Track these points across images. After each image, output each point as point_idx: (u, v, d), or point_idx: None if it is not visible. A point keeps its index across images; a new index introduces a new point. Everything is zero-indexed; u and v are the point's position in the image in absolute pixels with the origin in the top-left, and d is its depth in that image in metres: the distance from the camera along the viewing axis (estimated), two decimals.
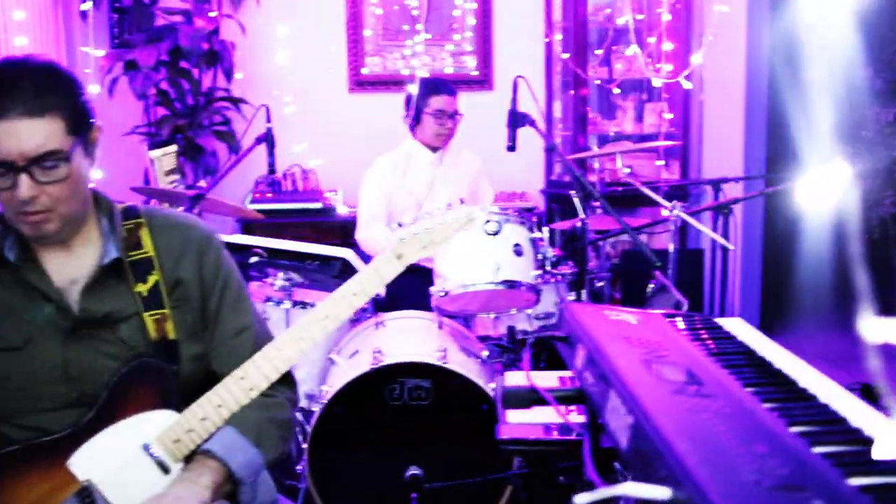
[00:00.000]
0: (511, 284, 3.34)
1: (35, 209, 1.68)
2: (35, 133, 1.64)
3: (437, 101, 4.48)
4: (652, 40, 5.68)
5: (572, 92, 5.75)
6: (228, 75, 5.29)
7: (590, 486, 1.55)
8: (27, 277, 1.77)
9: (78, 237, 1.82)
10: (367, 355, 3.21)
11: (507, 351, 3.72)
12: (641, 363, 1.51)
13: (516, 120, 3.43)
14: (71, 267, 1.81)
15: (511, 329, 3.68)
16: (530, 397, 1.71)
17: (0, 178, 1.67)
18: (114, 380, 1.78)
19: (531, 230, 3.47)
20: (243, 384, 1.79)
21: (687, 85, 5.53)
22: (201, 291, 1.86)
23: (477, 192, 4.63)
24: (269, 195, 5.50)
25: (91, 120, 1.77)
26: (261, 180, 5.61)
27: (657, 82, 5.63)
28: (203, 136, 5.16)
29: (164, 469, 1.76)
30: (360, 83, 5.83)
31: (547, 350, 3.90)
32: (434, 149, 4.56)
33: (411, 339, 3.41)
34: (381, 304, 3.85)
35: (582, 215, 3.23)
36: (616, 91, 5.80)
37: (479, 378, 3.18)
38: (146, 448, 1.76)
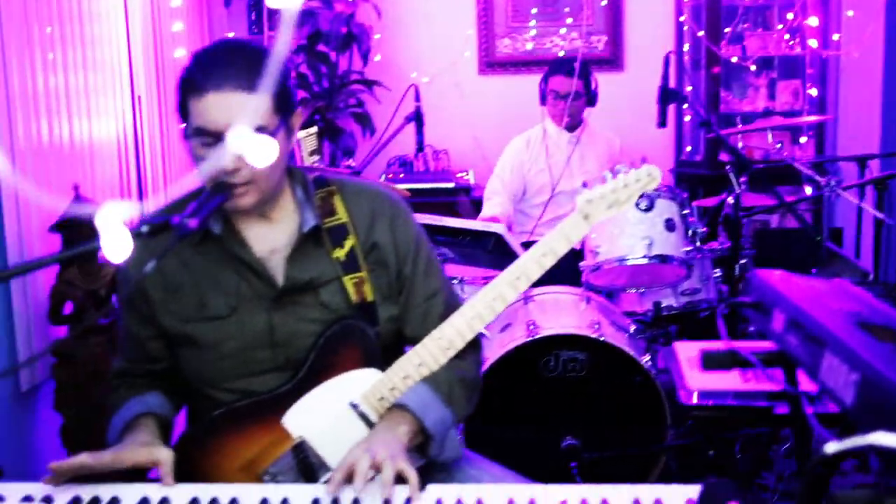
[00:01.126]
0: (663, 259, 3.36)
1: (236, 181, 1.77)
2: (245, 107, 1.74)
3: (553, 82, 4.53)
4: (790, 16, 5.58)
5: (704, 71, 5.69)
6: (365, 58, 5.41)
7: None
8: (231, 249, 1.87)
9: (276, 209, 1.91)
10: (521, 328, 3.27)
11: (652, 326, 3.74)
12: (852, 323, 1.53)
13: (667, 96, 3.44)
14: (271, 238, 1.91)
15: (657, 304, 3.70)
16: (731, 359, 1.73)
17: (208, 147, 1.77)
18: (320, 341, 1.87)
19: (682, 206, 3.47)
20: (441, 343, 1.86)
21: (825, 60, 5.41)
22: (396, 256, 1.94)
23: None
24: (402, 175, 5.60)
25: (294, 104, 1.86)
26: (393, 161, 5.72)
27: (792, 59, 5.53)
28: (341, 118, 5.30)
29: (370, 425, 1.85)
30: (491, 65, 5.89)
31: (688, 326, 3.90)
32: (571, 128, 4.59)
33: (562, 312, 3.46)
34: None
35: (738, 189, 3.22)
36: (752, 68, 5.71)
37: (632, 350, 3.21)
38: (353, 405, 1.85)
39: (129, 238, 1.49)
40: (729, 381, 2.22)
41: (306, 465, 1.83)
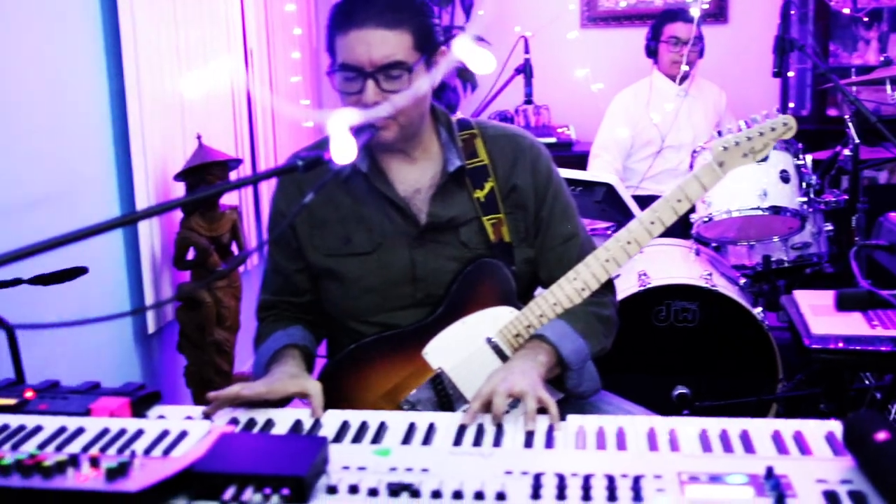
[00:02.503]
0: (777, 210, 3.33)
1: (379, 115, 1.83)
2: (386, 43, 1.79)
3: (671, 28, 4.49)
4: None
5: (812, 24, 5.56)
6: (468, 12, 5.43)
7: None
8: (377, 187, 1.93)
9: (419, 149, 1.97)
10: (633, 278, 3.28)
11: (761, 279, 3.72)
12: None
13: (784, 45, 3.38)
14: (414, 177, 1.97)
15: (766, 258, 3.67)
16: (867, 299, 1.73)
17: (350, 81, 1.83)
18: (459, 278, 1.92)
19: (796, 156, 3.43)
20: (576, 284, 1.90)
21: None
22: (535, 199, 1.98)
23: (722, 127, 4.57)
24: None
25: (437, 42, 1.90)
26: (494, 116, 5.73)
27: None
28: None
29: (504, 360, 1.90)
30: (593, 19, 5.84)
31: (796, 281, 3.86)
32: (679, 80, 4.55)
33: (673, 263, 3.46)
34: None
35: (857, 140, 3.16)
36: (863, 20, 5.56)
37: (744, 301, 3.20)
38: (489, 341, 1.91)
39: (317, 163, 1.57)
40: (854, 325, 2.21)
41: (443, 396, 1.90)
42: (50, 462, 1.28)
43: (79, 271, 2.41)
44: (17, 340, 2.32)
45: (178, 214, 3.40)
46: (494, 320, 1.91)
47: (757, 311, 3.20)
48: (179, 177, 3.31)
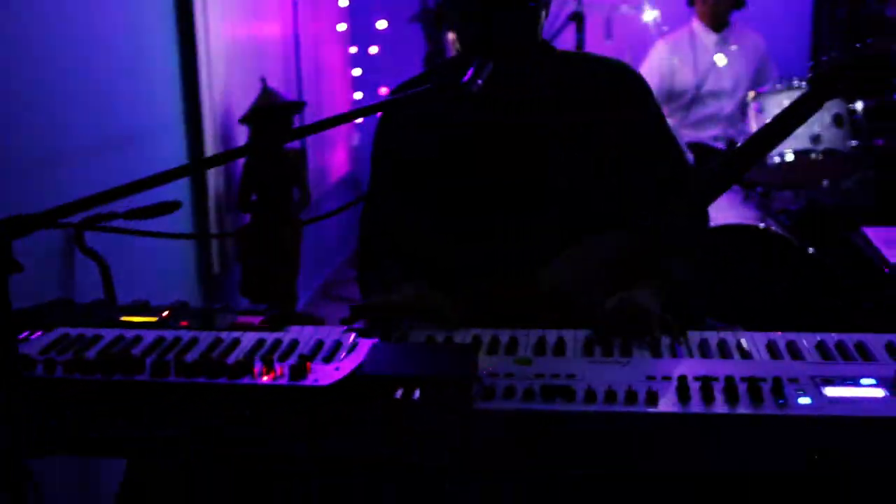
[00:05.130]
0: (831, 153, 3.40)
1: (497, 42, 1.84)
2: None
3: None
4: None
5: None
6: None
7: None
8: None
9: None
10: None
11: (808, 222, 3.80)
12: None
13: None
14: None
15: (811, 201, 3.75)
16: None
17: (471, 7, 1.84)
18: (575, 203, 1.99)
19: (848, 100, 3.49)
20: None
21: None
22: (635, 130, 2.03)
23: (762, 74, 4.63)
24: None
25: None
26: None
27: None
28: None
29: (618, 285, 1.96)
30: None
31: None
32: (717, 28, 4.59)
33: (724, 205, 3.53)
34: None
35: None
36: None
37: (797, 241, 3.28)
38: (603, 263, 1.98)
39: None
40: None
41: (563, 316, 1.96)
42: (232, 363, 1.36)
43: (174, 206, 2.47)
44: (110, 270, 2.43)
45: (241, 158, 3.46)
46: (609, 243, 1.98)
47: (809, 250, 3.28)
48: (244, 121, 3.36)
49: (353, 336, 1.58)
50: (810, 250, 3.25)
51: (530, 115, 2.00)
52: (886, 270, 2.24)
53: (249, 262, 3.46)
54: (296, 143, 3.71)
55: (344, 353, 1.49)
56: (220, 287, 3.52)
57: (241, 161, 3.43)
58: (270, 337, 1.59)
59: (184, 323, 1.74)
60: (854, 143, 3.44)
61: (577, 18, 3.85)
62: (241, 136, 3.51)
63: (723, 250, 3.31)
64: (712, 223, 3.25)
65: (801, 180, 3.65)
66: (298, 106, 3.50)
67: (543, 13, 1.93)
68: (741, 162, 2.00)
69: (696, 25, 4.61)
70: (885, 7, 5.19)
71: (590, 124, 2.01)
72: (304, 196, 3.54)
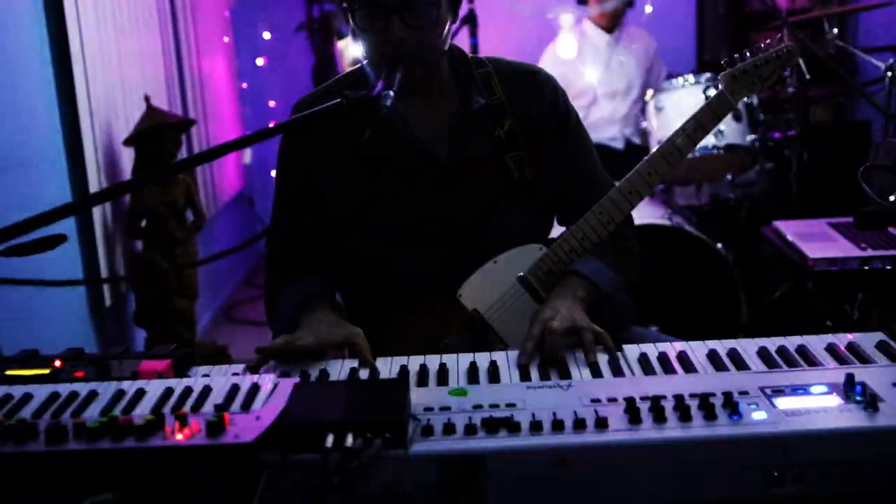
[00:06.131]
0: (732, 148, 3.40)
1: (404, 52, 1.76)
2: None
3: None
4: None
5: None
6: None
7: None
8: (397, 129, 1.88)
9: (437, 88, 1.92)
10: None
11: (711, 218, 3.81)
12: None
13: None
14: (433, 117, 1.91)
15: (715, 196, 3.76)
16: (887, 217, 1.77)
17: (374, 20, 1.76)
18: (486, 218, 1.89)
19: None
20: (602, 217, 1.89)
21: None
22: (556, 133, 1.95)
23: (652, 73, 4.64)
24: None
25: None
26: None
27: None
28: None
29: (538, 298, 1.88)
30: None
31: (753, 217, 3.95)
32: (608, 29, 4.58)
33: None
34: None
35: (808, 76, 3.23)
36: None
37: (707, 238, 3.27)
38: (521, 280, 1.89)
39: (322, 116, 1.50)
40: (845, 248, 2.30)
41: (480, 338, 1.87)
42: (140, 422, 1.21)
43: (59, 239, 2.28)
44: None
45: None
46: (523, 259, 1.90)
47: (718, 246, 3.27)
48: (129, 142, 3.17)
49: (270, 378, 1.45)
50: (719, 246, 3.24)
51: (439, 130, 1.92)
52: (810, 264, 2.22)
53: (143, 290, 3.26)
54: None
55: (263, 399, 1.35)
56: (113, 319, 3.31)
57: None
58: (179, 385, 1.44)
59: (79, 374, 1.58)
60: (752, 136, 3.45)
61: (471, 20, 3.76)
62: (127, 157, 3.30)
63: None
64: None
65: (703, 176, 3.65)
66: (187, 124, 3.32)
67: (450, 19, 1.84)
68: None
69: (588, 26, 4.59)
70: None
71: (510, 134, 1.93)
72: (197, 218, 3.36)
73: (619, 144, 4.44)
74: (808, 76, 3.21)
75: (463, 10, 3.77)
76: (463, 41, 3.96)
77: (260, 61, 5.23)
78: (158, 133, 3.11)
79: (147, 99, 3.21)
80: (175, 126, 3.19)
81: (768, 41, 2.00)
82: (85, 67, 3.01)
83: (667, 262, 3.26)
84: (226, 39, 4.88)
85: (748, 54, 1.98)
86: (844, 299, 2.36)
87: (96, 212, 3.09)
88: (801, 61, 3.27)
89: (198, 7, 4.46)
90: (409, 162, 1.89)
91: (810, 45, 3.15)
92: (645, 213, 3.36)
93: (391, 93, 1.63)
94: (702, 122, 1.94)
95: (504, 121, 1.92)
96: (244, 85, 5.33)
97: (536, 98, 1.95)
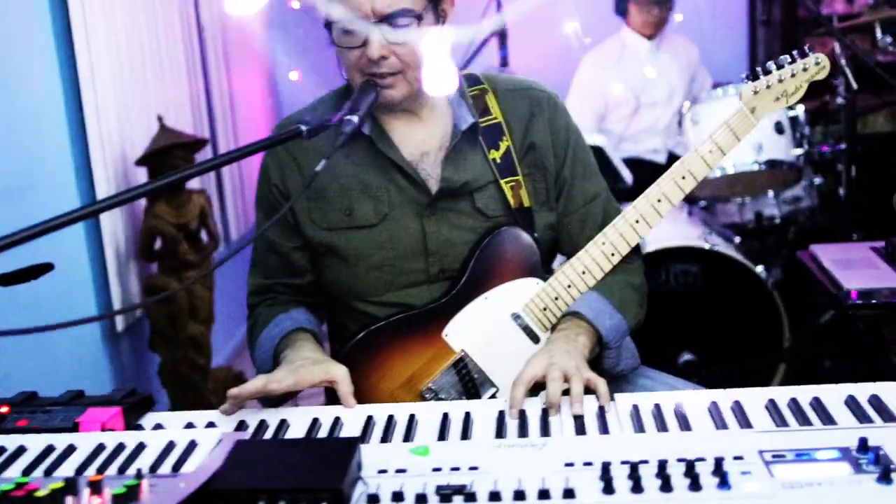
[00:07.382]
0: (774, 164, 3.20)
1: (383, 71, 1.64)
2: None
3: None
4: None
5: None
6: None
7: None
8: (382, 150, 1.74)
9: (426, 107, 1.77)
10: None
11: (754, 236, 3.61)
12: None
13: None
14: (421, 138, 1.77)
15: (759, 214, 3.55)
16: None
17: (350, 35, 1.63)
18: (477, 250, 1.74)
19: (789, 107, 3.29)
20: (605, 248, 1.73)
21: None
22: (554, 157, 1.80)
23: (696, 82, 4.43)
24: None
25: None
26: None
27: None
28: None
29: (533, 338, 1.73)
30: None
31: (785, 237, 3.75)
32: (649, 37, 4.39)
33: (667, 224, 3.31)
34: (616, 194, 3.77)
35: (854, 85, 3.01)
36: None
37: (745, 260, 3.08)
38: (515, 317, 1.73)
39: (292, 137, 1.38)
40: (888, 279, 2.10)
41: (468, 382, 1.72)
42: (44, 491, 1.09)
43: (45, 268, 2.19)
44: None
45: (142, 202, 3.18)
46: (519, 294, 1.74)
47: (758, 269, 3.07)
48: (141, 161, 3.08)
49: (215, 433, 1.32)
50: (760, 268, 3.04)
51: (429, 153, 1.78)
52: (846, 295, 2.03)
53: (157, 315, 3.17)
54: (195, 183, 3.41)
55: (198, 459, 1.22)
56: (128, 344, 3.22)
57: (141, 206, 3.15)
58: (113, 441, 1.32)
59: (22, 423, 1.47)
60: (798, 150, 3.24)
61: (501, 32, 3.62)
62: (142, 179, 3.22)
63: (668, 271, 3.10)
64: (655, 245, 3.07)
65: (742, 192, 3.45)
66: (200, 144, 3.22)
67: (433, 27, 1.68)
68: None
69: (627, 34, 4.40)
70: (820, 6, 5.04)
71: (506, 157, 1.78)
72: (211, 240, 3.27)
73: (662, 157, 4.24)
74: (855, 85, 2.99)
75: (494, 21, 3.65)
76: (492, 53, 3.81)
77: (294, 76, 5.14)
78: (170, 152, 3.02)
79: (160, 119, 3.12)
80: (187, 145, 3.09)
81: (794, 53, 1.82)
82: (94, 87, 2.93)
83: (703, 285, 3.07)
84: (259, 52, 4.80)
85: (773, 67, 1.81)
86: (889, 335, 2.15)
87: (107, 236, 3.00)
88: (847, 70, 3.06)
89: (227, 19, 4.38)
90: (395, 187, 1.75)
91: (857, 52, 2.94)
92: (680, 233, 3.19)
93: (354, 119, 1.50)
94: (719, 143, 1.78)
95: (500, 143, 1.77)
96: (277, 101, 5.25)
97: (537, 118, 1.80)
